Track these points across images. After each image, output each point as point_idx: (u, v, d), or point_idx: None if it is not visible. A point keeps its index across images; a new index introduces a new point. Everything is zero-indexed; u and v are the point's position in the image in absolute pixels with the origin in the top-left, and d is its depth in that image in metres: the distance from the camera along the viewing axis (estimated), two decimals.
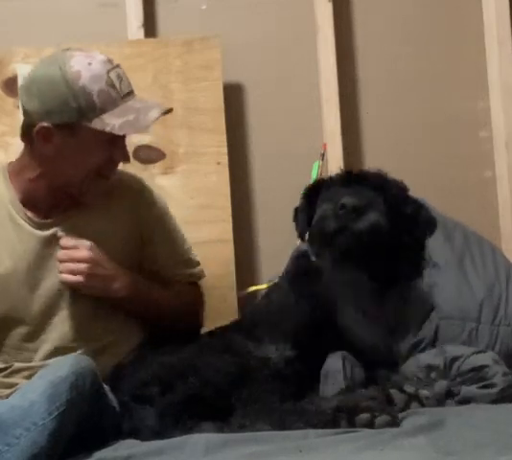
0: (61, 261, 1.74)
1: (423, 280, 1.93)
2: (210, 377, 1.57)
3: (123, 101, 1.71)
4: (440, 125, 2.63)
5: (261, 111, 2.61)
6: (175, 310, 1.88)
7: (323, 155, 2.53)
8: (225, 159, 2.45)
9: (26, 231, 1.78)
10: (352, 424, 1.44)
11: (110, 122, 1.68)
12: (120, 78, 1.72)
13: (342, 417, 1.45)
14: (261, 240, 2.56)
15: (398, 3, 2.66)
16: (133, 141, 2.45)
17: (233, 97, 2.56)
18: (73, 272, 1.73)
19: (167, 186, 2.43)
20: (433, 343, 1.84)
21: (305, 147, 2.57)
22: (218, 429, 1.48)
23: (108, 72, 1.70)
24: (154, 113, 1.74)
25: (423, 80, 2.64)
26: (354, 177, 1.95)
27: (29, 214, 1.79)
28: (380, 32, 2.65)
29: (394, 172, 2.62)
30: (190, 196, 2.44)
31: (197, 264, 2.00)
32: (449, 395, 1.67)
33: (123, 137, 1.77)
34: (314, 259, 1.95)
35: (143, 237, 1.89)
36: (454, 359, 1.71)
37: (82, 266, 1.73)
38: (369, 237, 1.83)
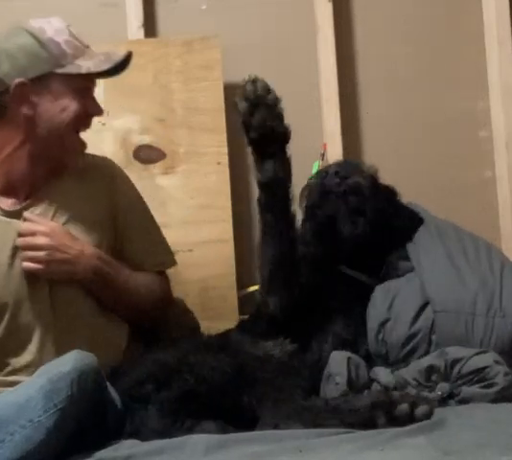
0: (21, 248, 1.75)
1: (416, 273, 1.95)
2: (205, 374, 1.56)
3: (88, 49, 1.81)
4: (440, 125, 2.63)
5: None
6: (144, 297, 1.87)
7: (323, 155, 2.53)
8: (225, 159, 2.45)
9: (2, 222, 1.78)
10: (391, 418, 1.41)
11: (84, 64, 1.76)
12: (77, 34, 1.81)
13: (380, 413, 1.41)
14: None
15: (398, 3, 2.66)
16: (133, 141, 2.46)
17: (233, 97, 2.56)
18: (31, 260, 1.73)
19: (167, 186, 2.44)
20: (430, 336, 1.85)
21: (305, 147, 2.57)
22: (219, 429, 1.48)
23: (68, 27, 1.80)
24: (122, 51, 1.83)
25: (423, 80, 2.64)
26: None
27: (3, 204, 1.79)
28: (380, 32, 2.65)
29: (394, 172, 2.61)
30: (190, 196, 2.44)
31: (170, 252, 1.98)
32: (450, 395, 1.67)
33: (93, 88, 1.83)
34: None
35: (117, 219, 1.89)
36: (456, 362, 1.71)
37: (41, 254, 1.73)
38: (352, 197, 1.85)
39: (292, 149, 2.64)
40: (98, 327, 1.80)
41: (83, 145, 1.86)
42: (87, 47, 1.80)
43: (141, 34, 2.56)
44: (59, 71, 1.74)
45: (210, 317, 2.25)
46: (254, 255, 2.54)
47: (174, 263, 1.99)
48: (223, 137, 2.46)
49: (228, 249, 2.42)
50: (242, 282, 2.46)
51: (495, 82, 2.60)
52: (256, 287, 2.46)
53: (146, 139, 2.46)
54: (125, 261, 1.88)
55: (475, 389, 1.66)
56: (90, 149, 2.42)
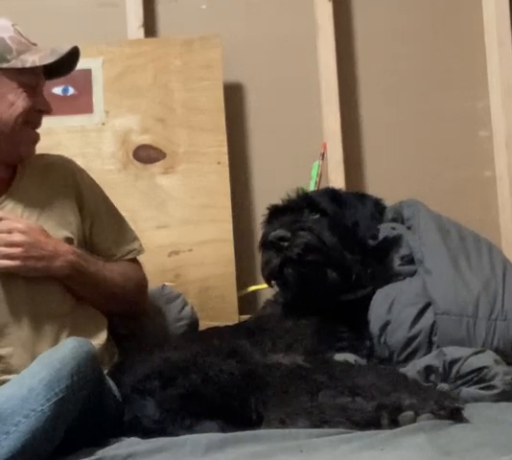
0: None
1: (419, 274, 1.95)
2: (213, 375, 1.56)
3: (34, 46, 1.79)
4: (440, 125, 2.63)
5: (261, 111, 2.61)
6: (122, 286, 1.88)
7: (323, 155, 2.53)
8: (225, 159, 2.46)
9: None
10: (394, 422, 1.41)
11: (29, 59, 1.75)
12: (22, 33, 1.79)
13: (384, 415, 1.42)
14: None
15: (398, 3, 2.66)
16: (133, 141, 2.46)
17: (233, 97, 2.57)
18: (8, 257, 1.72)
19: (167, 186, 2.44)
20: (430, 337, 1.85)
21: (305, 147, 2.57)
22: (219, 428, 1.48)
23: (13, 25, 1.79)
24: (68, 45, 1.80)
25: (423, 80, 2.64)
26: (274, 212, 2.05)
27: None
28: (380, 31, 2.65)
29: (394, 173, 2.63)
30: (190, 196, 2.44)
31: (137, 239, 1.99)
32: None
33: (41, 84, 1.81)
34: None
35: (84, 214, 1.89)
36: (454, 362, 1.71)
37: (17, 250, 1.72)
38: (310, 256, 1.88)
39: (292, 148, 2.65)
40: (77, 322, 1.79)
41: (37, 136, 1.84)
42: (34, 44, 1.79)
43: (141, 33, 2.56)
44: (4, 66, 1.73)
45: (210, 317, 2.25)
46: (254, 255, 2.55)
47: (142, 249, 2.00)
48: (223, 137, 2.46)
49: (228, 249, 2.42)
50: (242, 282, 2.46)
51: (495, 82, 2.60)
52: (256, 287, 2.47)
53: (146, 139, 2.46)
54: (96, 253, 1.89)
55: (474, 390, 1.65)
56: (91, 149, 2.44)
